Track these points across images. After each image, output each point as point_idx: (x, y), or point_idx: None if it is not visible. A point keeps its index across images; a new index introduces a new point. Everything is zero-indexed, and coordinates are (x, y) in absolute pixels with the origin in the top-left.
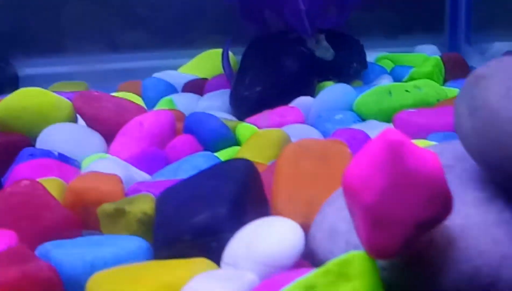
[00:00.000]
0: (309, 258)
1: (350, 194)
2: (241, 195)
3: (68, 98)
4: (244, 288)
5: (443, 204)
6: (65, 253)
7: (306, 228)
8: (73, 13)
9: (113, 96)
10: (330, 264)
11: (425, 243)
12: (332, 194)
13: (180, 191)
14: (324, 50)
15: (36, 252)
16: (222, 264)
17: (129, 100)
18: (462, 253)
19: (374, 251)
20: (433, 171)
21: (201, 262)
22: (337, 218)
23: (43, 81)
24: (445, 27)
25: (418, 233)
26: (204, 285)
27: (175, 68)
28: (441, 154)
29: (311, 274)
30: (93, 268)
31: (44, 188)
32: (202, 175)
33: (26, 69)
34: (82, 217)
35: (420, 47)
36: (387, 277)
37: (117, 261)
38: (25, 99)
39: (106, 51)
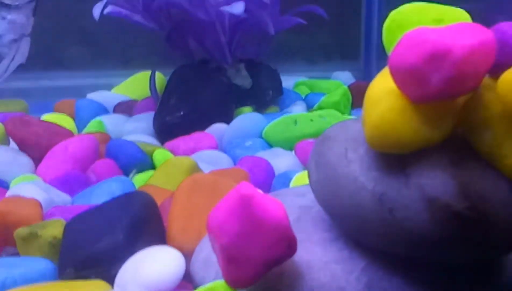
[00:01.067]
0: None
1: (212, 235)
2: (136, 225)
3: (4, 118)
4: None
5: (287, 245)
6: None
7: None
8: None
9: (43, 121)
10: (198, 290)
11: (277, 274)
12: None
13: (85, 219)
14: (243, 79)
15: None
16: (115, 286)
17: (58, 125)
18: (306, 284)
19: (230, 282)
20: (277, 219)
21: (97, 284)
22: (211, 250)
23: None
24: (360, 55)
25: (267, 269)
26: None
27: (111, 86)
28: (304, 195)
29: None
30: (4, 286)
31: None
32: (106, 205)
33: None
34: (3, 236)
35: (336, 74)
36: None
37: (26, 280)
38: None
39: (47, 68)
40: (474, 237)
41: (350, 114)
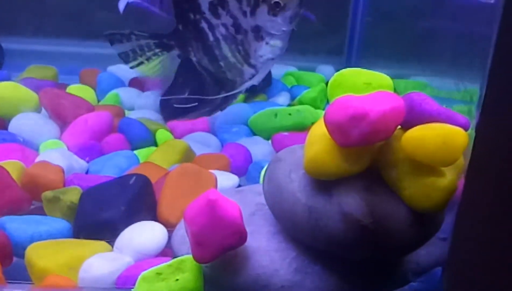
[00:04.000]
0: None
1: (186, 223)
2: (134, 200)
3: (39, 86)
4: (123, 267)
5: (240, 237)
6: (15, 227)
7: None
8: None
9: (70, 94)
10: (173, 261)
11: (232, 256)
12: None
13: (96, 192)
14: None
15: None
16: (114, 248)
17: (82, 99)
18: (251, 265)
19: (197, 258)
20: (233, 218)
21: (101, 245)
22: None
23: (24, 57)
24: (344, 51)
25: (224, 252)
26: (97, 262)
27: None
28: (261, 194)
29: (161, 265)
30: (32, 239)
31: (6, 171)
32: (113, 182)
33: (10, 45)
34: (32, 194)
35: (320, 67)
36: (206, 272)
37: (49, 236)
38: (4, 91)
39: (77, 36)
40: (375, 243)
41: (324, 109)
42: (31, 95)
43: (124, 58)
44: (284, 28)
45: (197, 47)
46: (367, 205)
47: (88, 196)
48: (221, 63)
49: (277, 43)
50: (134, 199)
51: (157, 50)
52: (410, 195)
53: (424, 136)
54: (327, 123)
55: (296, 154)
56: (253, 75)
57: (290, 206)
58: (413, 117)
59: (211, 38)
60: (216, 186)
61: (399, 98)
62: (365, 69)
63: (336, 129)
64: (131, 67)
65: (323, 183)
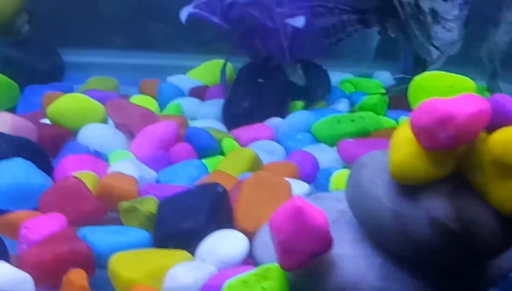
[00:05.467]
0: None
1: (272, 231)
2: (213, 210)
3: (103, 97)
4: (207, 276)
5: (326, 244)
6: (96, 238)
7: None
8: (110, 9)
9: (136, 105)
10: (258, 269)
11: (318, 263)
12: None
13: (174, 201)
14: (298, 77)
15: (78, 234)
16: (195, 257)
17: (147, 109)
18: (337, 272)
19: (283, 266)
20: (320, 225)
21: (183, 254)
22: (268, 236)
23: (82, 70)
24: (400, 58)
25: (311, 259)
26: (182, 271)
27: (185, 68)
28: (341, 201)
29: (247, 273)
30: (112, 249)
31: (84, 183)
32: (191, 191)
33: (68, 58)
34: (109, 204)
35: (377, 73)
36: (292, 280)
37: (129, 246)
38: (72, 102)
39: (133, 47)
40: (463, 248)
41: (385, 115)
42: (98, 107)
43: (325, 34)
44: (454, 13)
45: (392, 24)
46: (454, 210)
47: (167, 205)
48: (414, 41)
49: (452, 27)
50: (213, 208)
51: (358, 26)
52: (497, 198)
53: None
54: (413, 127)
55: (379, 158)
56: (439, 57)
57: (375, 211)
58: (498, 119)
59: (401, 15)
60: (290, 194)
61: (484, 100)
62: (446, 72)
63: (422, 133)
64: (331, 44)
65: (409, 188)
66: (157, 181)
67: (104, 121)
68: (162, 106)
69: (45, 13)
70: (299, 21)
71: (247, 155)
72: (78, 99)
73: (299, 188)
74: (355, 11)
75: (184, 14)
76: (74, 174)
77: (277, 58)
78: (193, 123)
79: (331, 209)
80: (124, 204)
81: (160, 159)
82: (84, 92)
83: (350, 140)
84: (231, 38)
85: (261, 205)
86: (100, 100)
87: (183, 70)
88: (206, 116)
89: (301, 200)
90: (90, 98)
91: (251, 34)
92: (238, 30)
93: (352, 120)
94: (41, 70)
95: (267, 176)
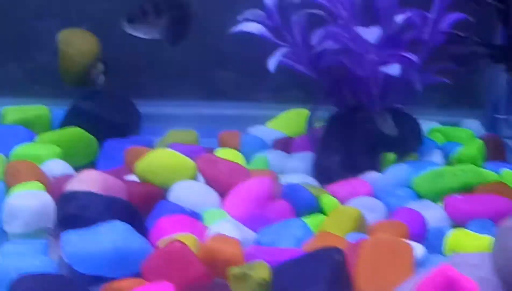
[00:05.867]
0: None
1: None
2: (334, 277)
3: (188, 151)
4: None
5: None
6: None
7: None
8: (180, 59)
9: (226, 160)
10: None
11: None
12: (401, 284)
13: (290, 268)
14: (389, 127)
15: None
16: None
17: (239, 165)
18: None
19: None
20: None
21: None
22: None
23: (156, 121)
24: (486, 104)
25: None
26: None
27: (261, 118)
28: (479, 267)
29: None
30: None
31: (188, 248)
32: (307, 257)
33: (142, 109)
34: (214, 269)
35: (466, 122)
36: None
37: None
38: (162, 158)
39: (207, 97)
40: None
41: (482, 167)
42: (189, 163)
43: (456, 62)
44: None
45: None
46: None
47: (283, 272)
48: None
49: None
50: (333, 276)
51: (488, 61)
52: None
53: None
54: None
55: None
56: None
57: None
58: None
59: None
60: (413, 258)
61: None
62: None
63: None
64: (462, 73)
65: None
66: (258, 242)
67: (195, 178)
68: (247, 159)
69: (120, 63)
70: (394, 69)
71: (352, 214)
72: (168, 155)
73: (415, 250)
74: (487, 44)
75: (272, 63)
76: (176, 237)
77: (366, 107)
78: (283, 178)
79: (470, 276)
80: (234, 270)
81: (257, 218)
82: (168, 146)
83: (458, 196)
84: (319, 87)
85: (384, 271)
86: (186, 154)
87: (260, 120)
88: (295, 171)
89: (451, 269)
90: (180, 154)
91: (339, 83)
92: (327, 79)
93: (455, 174)
94: (118, 122)
95: (386, 238)
